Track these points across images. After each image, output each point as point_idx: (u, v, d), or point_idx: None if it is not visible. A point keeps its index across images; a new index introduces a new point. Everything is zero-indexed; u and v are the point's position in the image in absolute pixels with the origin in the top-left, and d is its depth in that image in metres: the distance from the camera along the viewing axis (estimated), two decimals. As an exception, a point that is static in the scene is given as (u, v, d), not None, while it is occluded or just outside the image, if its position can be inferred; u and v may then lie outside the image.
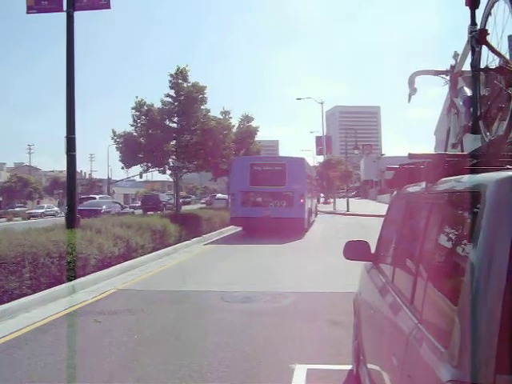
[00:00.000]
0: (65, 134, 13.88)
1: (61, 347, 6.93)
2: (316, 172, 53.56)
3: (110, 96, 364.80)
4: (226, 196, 76.85)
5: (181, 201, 60.51)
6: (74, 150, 13.93)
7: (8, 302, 8.86)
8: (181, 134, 25.89)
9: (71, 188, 14.11)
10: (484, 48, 3.87)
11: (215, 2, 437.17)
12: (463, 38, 4.13)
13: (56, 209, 61.41)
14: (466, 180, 2.46)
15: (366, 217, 34.11)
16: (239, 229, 25.96)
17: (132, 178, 78.39)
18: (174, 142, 26.43)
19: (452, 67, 4.82)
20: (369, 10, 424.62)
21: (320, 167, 70.30)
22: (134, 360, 6.29)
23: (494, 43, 3.77)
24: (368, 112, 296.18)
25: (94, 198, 44.80)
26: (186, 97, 25.68)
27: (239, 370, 5.88)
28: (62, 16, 14.20)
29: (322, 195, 71.25)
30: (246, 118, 37.62)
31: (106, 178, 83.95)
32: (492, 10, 3.76)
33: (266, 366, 6.02)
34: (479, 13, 3.93)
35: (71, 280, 10.89)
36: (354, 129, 69.01)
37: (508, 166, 2.71)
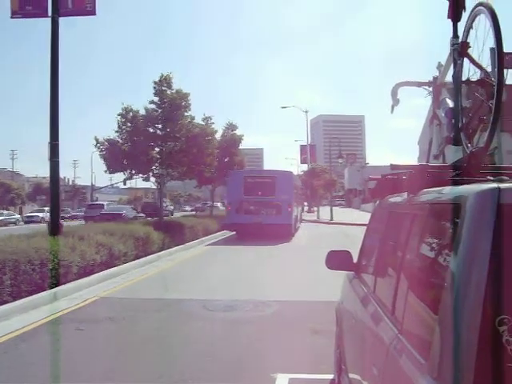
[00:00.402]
0: (48, 140, 13.78)
1: (42, 356, 6.84)
2: (300, 180, 53.78)
3: (97, 102, 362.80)
4: (218, 204, 77.00)
5: (171, 208, 60.47)
6: (58, 157, 13.84)
7: (-13, 309, 8.74)
8: (165, 140, 25.81)
9: (54, 194, 14.00)
10: (466, 60, 3.90)
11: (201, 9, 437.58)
12: (447, 49, 4.17)
13: (17, 216, 59.31)
14: (448, 191, 2.48)
15: (350, 226, 34.24)
16: (224, 236, 27.29)
17: (116, 185, 78.09)
18: (158, 149, 26.33)
19: (435, 78, 4.85)
20: (355, 19, 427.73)
21: (304, 176, 70.58)
22: (115, 369, 6.23)
23: (475, 56, 3.81)
24: (352, 121, 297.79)
25: (102, 205, 47.63)
26: (170, 104, 25.61)
27: (221, 379, 5.85)
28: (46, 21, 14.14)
29: (305, 204, 71.46)
30: (231, 127, 37.60)
31: (90, 184, 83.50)
32: (473, 24, 3.80)
33: (248, 375, 5.99)
34: (461, 26, 3.97)
35: (53, 287, 10.77)
36: (338, 138, 69.39)
37: (489, 178, 2.73)
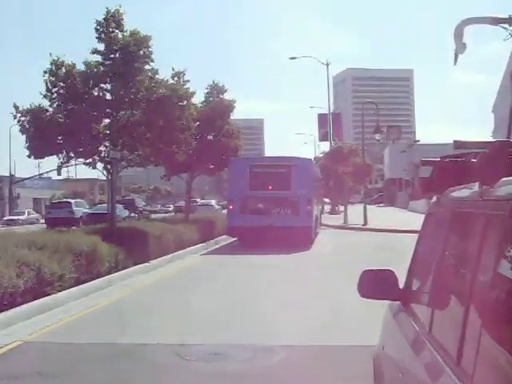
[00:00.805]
0: None
1: None
2: (319, 167, 53.82)
3: (13, 53, 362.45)
4: (212, 201, 76.91)
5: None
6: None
7: None
8: (116, 108, 25.68)
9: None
10: None
11: None
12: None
13: None
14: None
15: (394, 233, 34.28)
16: (208, 250, 28.26)
17: (46, 176, 78.02)
18: (107, 121, 26.20)
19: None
20: None
21: (324, 159, 70.49)
22: None
23: None
24: (395, 78, 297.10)
25: (69, 203, 54.01)
26: (122, 53, 25.42)
27: None
28: None
29: (326, 201, 71.39)
30: (216, 89, 37.36)
31: (8, 175, 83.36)
32: None
33: None
34: None
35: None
36: (374, 102, 69.11)
37: None
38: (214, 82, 37.45)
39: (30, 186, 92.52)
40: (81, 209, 55.96)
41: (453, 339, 2.94)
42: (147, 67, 26.11)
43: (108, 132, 25.66)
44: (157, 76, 26.60)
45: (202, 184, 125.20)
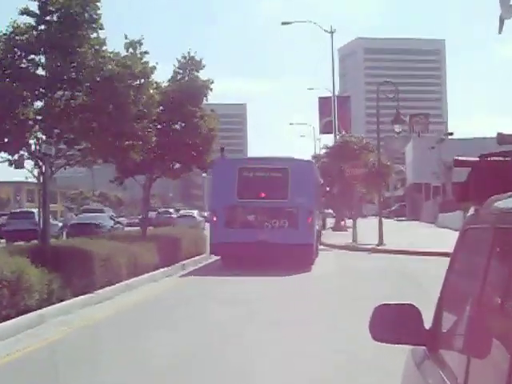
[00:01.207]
0: None
1: None
2: (320, 168, 53.97)
3: None
4: (194, 212, 77.88)
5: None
6: None
7: None
8: (52, 88, 25.61)
9: None
10: None
11: None
12: None
13: None
14: None
15: (417, 256, 34.37)
16: (169, 277, 27.94)
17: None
18: (39, 105, 26.12)
19: None
20: None
21: (327, 158, 70.62)
22: None
23: None
24: (422, 51, 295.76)
25: (32, 214, 53.45)
26: (61, 15, 25.35)
27: None
28: None
29: (328, 211, 71.54)
30: (190, 64, 36.60)
31: None
32: None
33: None
34: None
35: None
36: (393, 83, 69.15)
37: None
38: (188, 53, 36.21)
39: None
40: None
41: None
42: (92, 36, 25.82)
43: (40, 118, 25.52)
44: (104, 47, 26.30)
45: (164, 189, 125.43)
